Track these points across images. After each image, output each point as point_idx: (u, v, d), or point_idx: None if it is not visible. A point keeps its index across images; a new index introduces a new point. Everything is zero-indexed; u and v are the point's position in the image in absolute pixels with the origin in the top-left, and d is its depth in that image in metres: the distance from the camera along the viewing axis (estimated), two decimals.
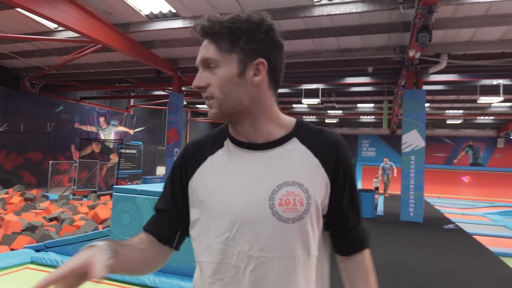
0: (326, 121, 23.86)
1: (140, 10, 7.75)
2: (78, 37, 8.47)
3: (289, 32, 8.18)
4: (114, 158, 17.39)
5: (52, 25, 8.82)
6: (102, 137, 16.71)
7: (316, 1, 6.83)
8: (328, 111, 21.44)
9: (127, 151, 18.34)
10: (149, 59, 9.48)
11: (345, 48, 8.97)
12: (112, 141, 16.79)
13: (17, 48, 10.49)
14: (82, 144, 15.31)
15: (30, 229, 5.28)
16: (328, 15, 6.88)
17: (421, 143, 8.69)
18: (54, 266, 4.08)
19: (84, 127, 15.57)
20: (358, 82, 13.10)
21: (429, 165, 15.85)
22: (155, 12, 7.85)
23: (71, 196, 8.51)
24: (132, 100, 19.13)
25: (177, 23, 7.89)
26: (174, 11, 7.61)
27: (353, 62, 9.45)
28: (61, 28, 8.89)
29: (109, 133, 17.26)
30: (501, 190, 18.07)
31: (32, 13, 6.34)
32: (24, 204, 7.39)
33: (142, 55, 9.12)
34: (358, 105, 19.85)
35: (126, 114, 18.39)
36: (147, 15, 7.95)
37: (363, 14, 7.11)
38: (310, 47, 9.08)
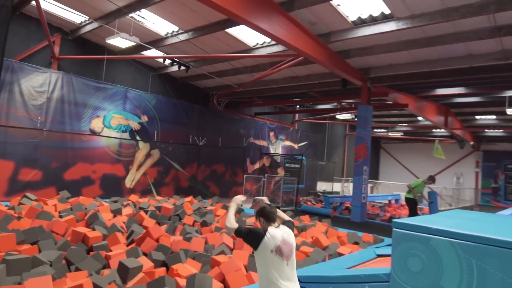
0: None
1: (347, 17, 7.16)
2: (280, 51, 8.45)
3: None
4: (280, 172, 17.66)
5: (251, 43, 9.09)
6: (272, 151, 17.11)
7: None
8: None
9: (292, 165, 18.44)
10: (343, 69, 8.85)
11: None
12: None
13: (214, 68, 11.36)
14: (256, 158, 16.01)
15: None
16: None
17: None
18: None
19: (257, 142, 16.18)
20: None
21: None
22: (364, 16, 7.14)
23: None
24: (296, 115, 19.23)
25: (388, 26, 6.98)
26: (387, 12, 6.75)
27: None
28: (259, 45, 9.10)
29: (277, 147, 17.59)
30: None
31: (254, 28, 6.35)
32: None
33: (337, 65, 8.54)
34: None
35: (291, 129, 18.53)
36: (353, 21, 7.31)
37: None
38: None
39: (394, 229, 3.17)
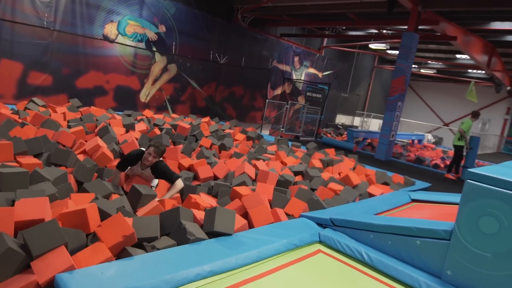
0: None
1: None
2: None
3: None
4: (301, 100, 16.83)
5: None
6: (294, 77, 16.11)
7: None
8: None
9: (313, 94, 17.51)
10: None
11: None
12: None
13: None
14: (278, 83, 15.08)
15: (283, 184, 4.53)
16: None
17: None
18: (342, 253, 3.08)
19: (280, 66, 15.13)
20: None
21: None
22: None
23: (290, 142, 7.89)
24: (325, 41, 17.74)
25: None
26: None
27: None
28: None
29: (301, 74, 16.53)
30: None
31: None
32: (251, 144, 7.03)
33: None
34: None
35: (318, 55, 17.23)
36: None
37: None
38: None
39: (468, 180, 2.54)
